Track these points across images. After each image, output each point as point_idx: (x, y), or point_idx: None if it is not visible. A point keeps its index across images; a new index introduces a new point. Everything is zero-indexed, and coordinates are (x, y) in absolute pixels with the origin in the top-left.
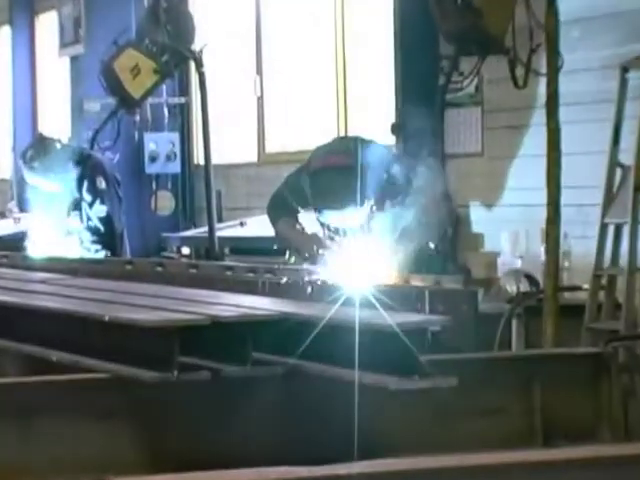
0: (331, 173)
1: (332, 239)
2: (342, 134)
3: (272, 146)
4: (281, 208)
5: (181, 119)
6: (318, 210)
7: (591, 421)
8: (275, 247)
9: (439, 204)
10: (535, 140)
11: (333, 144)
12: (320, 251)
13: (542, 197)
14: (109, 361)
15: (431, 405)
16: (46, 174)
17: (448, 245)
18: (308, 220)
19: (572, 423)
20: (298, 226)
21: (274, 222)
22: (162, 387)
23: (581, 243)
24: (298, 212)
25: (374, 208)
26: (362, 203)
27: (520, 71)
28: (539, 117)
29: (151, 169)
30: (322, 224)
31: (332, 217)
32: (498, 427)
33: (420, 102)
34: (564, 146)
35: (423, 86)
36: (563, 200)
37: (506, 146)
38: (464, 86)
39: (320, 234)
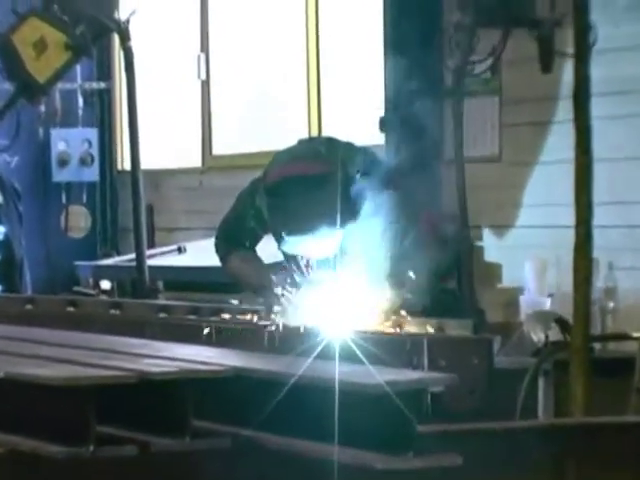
0: (294, 186)
1: (300, 273)
2: (314, 130)
3: (221, 147)
4: (232, 239)
5: (101, 111)
6: (279, 236)
7: None
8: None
9: (439, 226)
10: (569, 140)
11: (297, 148)
12: (285, 290)
13: None
14: (5, 432)
15: None
16: None
17: (454, 279)
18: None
19: None
20: (255, 259)
21: (224, 259)
22: (74, 465)
23: (631, 276)
24: (257, 241)
25: (353, 233)
26: (337, 225)
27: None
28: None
29: (60, 176)
30: (285, 255)
31: (297, 245)
32: None
33: (417, 89)
34: (606, 149)
35: (420, 68)
36: (608, 221)
37: (531, 148)
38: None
39: (285, 267)
